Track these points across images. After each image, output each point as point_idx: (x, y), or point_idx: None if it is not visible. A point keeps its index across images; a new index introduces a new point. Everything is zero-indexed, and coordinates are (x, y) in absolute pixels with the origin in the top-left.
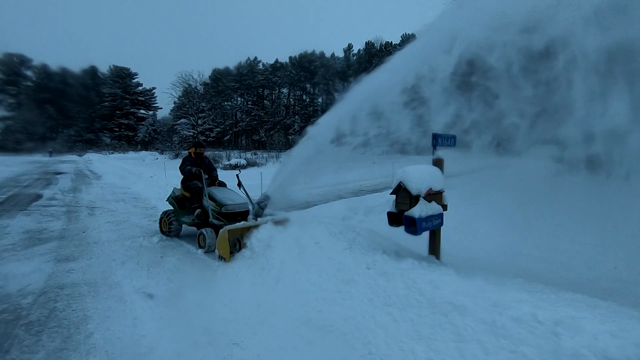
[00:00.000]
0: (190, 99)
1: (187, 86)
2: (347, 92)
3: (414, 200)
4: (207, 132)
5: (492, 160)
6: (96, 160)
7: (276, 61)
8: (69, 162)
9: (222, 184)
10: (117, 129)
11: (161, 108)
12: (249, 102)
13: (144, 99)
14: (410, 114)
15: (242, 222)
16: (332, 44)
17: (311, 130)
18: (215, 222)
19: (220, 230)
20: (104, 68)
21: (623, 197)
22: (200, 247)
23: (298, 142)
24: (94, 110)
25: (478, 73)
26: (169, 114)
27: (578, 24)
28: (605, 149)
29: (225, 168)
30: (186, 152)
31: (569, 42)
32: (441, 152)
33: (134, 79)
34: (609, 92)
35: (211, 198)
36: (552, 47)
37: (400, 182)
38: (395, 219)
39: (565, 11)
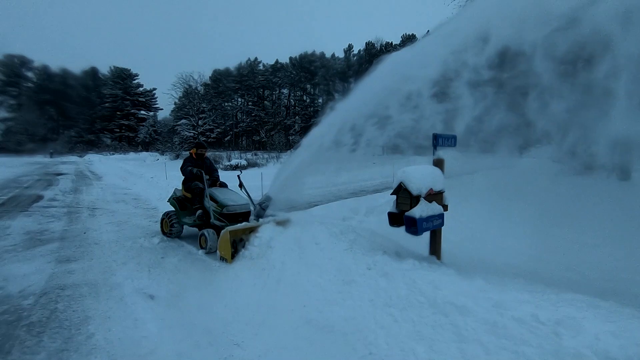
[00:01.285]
0: (191, 100)
1: (187, 87)
2: (349, 90)
3: (414, 200)
4: (207, 133)
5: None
6: (97, 161)
7: (276, 62)
8: (70, 163)
9: (224, 185)
10: (118, 130)
11: (162, 109)
12: (250, 103)
13: (144, 100)
14: (438, 111)
15: (243, 223)
16: (332, 45)
17: (313, 130)
18: (217, 223)
19: (222, 231)
20: (104, 69)
21: (623, 197)
22: (201, 248)
23: (300, 143)
24: (95, 111)
25: (507, 70)
26: (170, 114)
27: (617, 22)
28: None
29: (225, 169)
30: (187, 152)
31: (607, 42)
32: (441, 152)
33: (134, 80)
34: None
35: (212, 199)
36: (589, 45)
37: (401, 182)
38: (396, 219)
39: (603, 6)
